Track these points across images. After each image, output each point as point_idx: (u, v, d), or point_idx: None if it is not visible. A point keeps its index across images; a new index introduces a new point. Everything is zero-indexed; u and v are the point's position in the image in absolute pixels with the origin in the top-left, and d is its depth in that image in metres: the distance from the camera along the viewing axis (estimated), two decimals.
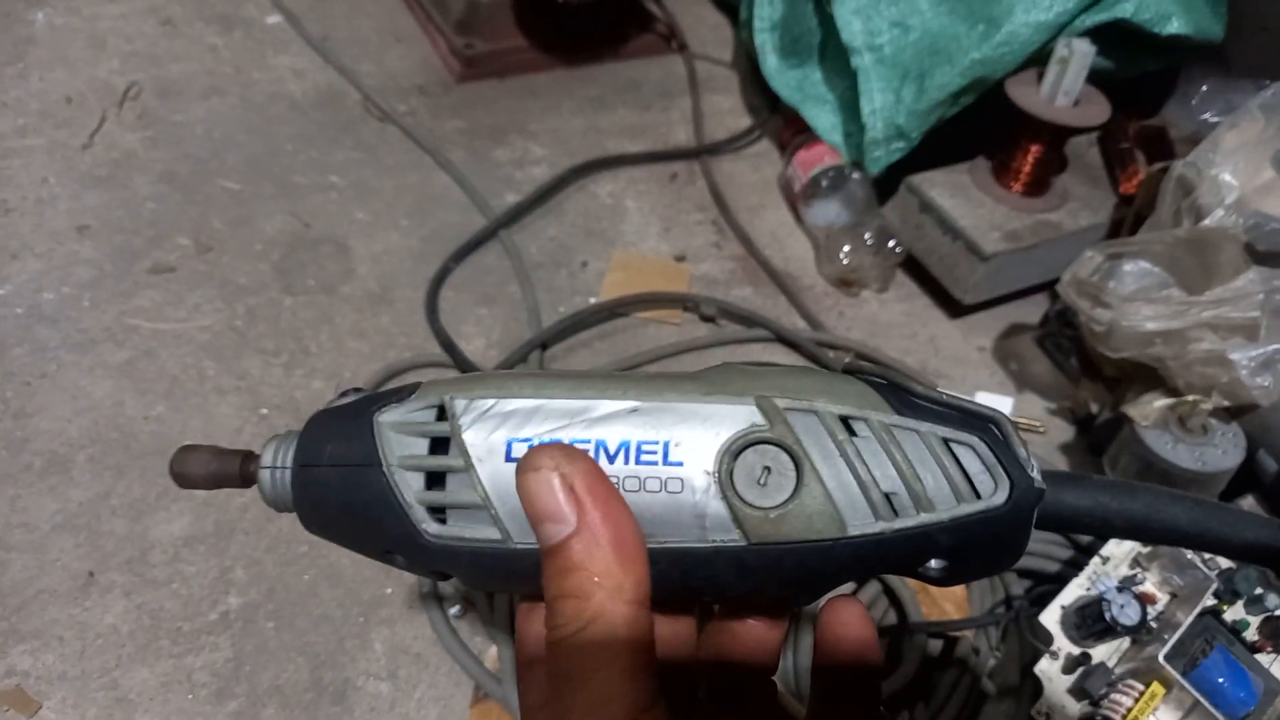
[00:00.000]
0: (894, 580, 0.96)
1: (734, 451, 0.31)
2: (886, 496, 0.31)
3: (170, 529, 0.99)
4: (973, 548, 0.32)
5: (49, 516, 0.98)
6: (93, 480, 1.02)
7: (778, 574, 0.31)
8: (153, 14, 1.63)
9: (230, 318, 1.20)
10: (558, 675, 0.28)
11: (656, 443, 0.31)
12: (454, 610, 0.98)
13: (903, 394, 0.33)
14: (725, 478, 0.31)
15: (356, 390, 0.36)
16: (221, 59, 1.58)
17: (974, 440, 0.32)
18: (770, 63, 1.52)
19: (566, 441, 0.31)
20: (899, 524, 0.31)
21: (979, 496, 0.31)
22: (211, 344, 1.17)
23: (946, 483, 0.31)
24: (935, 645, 0.96)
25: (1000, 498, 0.31)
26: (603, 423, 0.31)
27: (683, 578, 0.31)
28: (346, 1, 1.76)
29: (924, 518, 0.31)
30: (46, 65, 1.50)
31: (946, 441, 0.32)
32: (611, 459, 0.31)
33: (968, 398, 0.33)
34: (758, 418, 0.31)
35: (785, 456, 0.31)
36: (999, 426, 0.32)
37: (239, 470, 0.34)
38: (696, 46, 1.81)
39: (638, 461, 0.31)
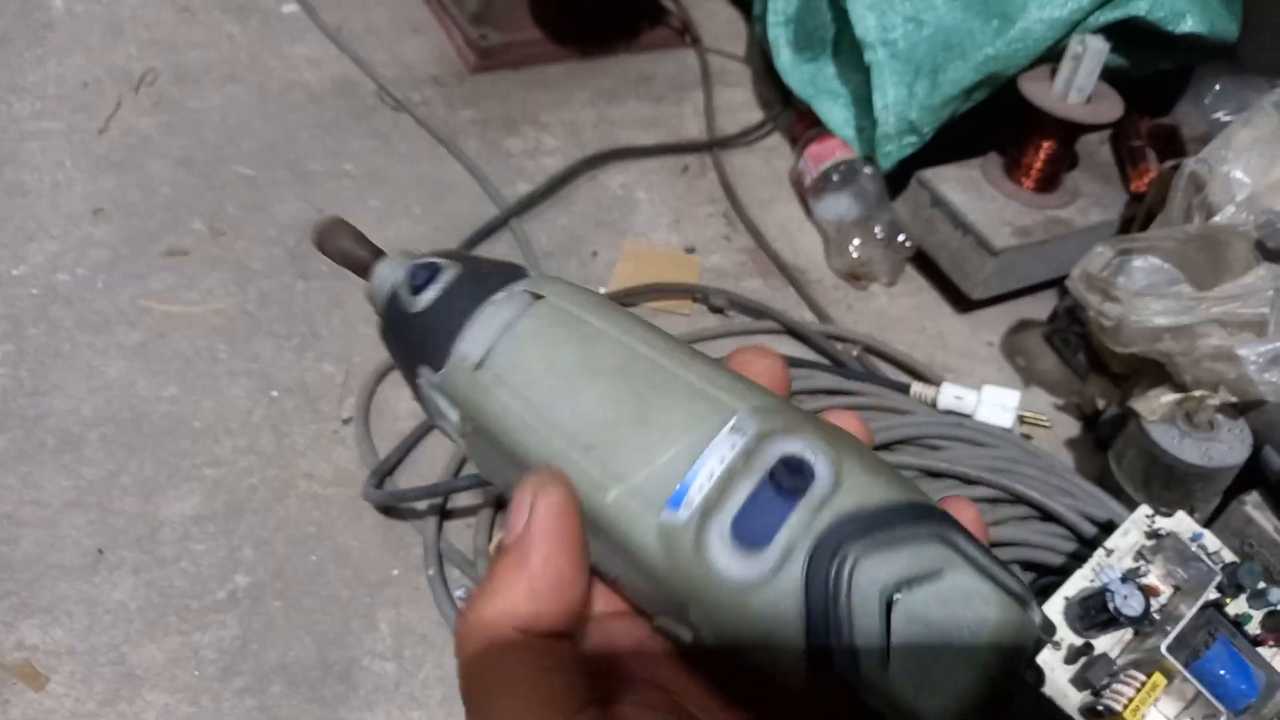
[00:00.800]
0: None
1: None
2: None
3: (180, 508, 1.00)
4: None
5: (60, 493, 0.99)
6: (104, 459, 1.03)
7: None
8: (170, 1, 1.64)
9: (243, 301, 1.21)
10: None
11: None
12: (460, 593, 0.98)
13: None
14: None
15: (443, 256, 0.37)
16: (238, 46, 1.59)
17: None
18: (783, 57, 1.52)
19: None
20: None
21: None
22: (224, 327, 1.18)
23: None
24: None
25: None
26: None
27: None
28: None
29: None
30: (65, 50, 1.51)
31: None
32: None
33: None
34: None
35: None
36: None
37: (366, 260, 0.37)
38: (710, 41, 1.82)
39: None
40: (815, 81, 1.50)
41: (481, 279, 0.35)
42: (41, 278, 1.19)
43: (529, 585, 0.29)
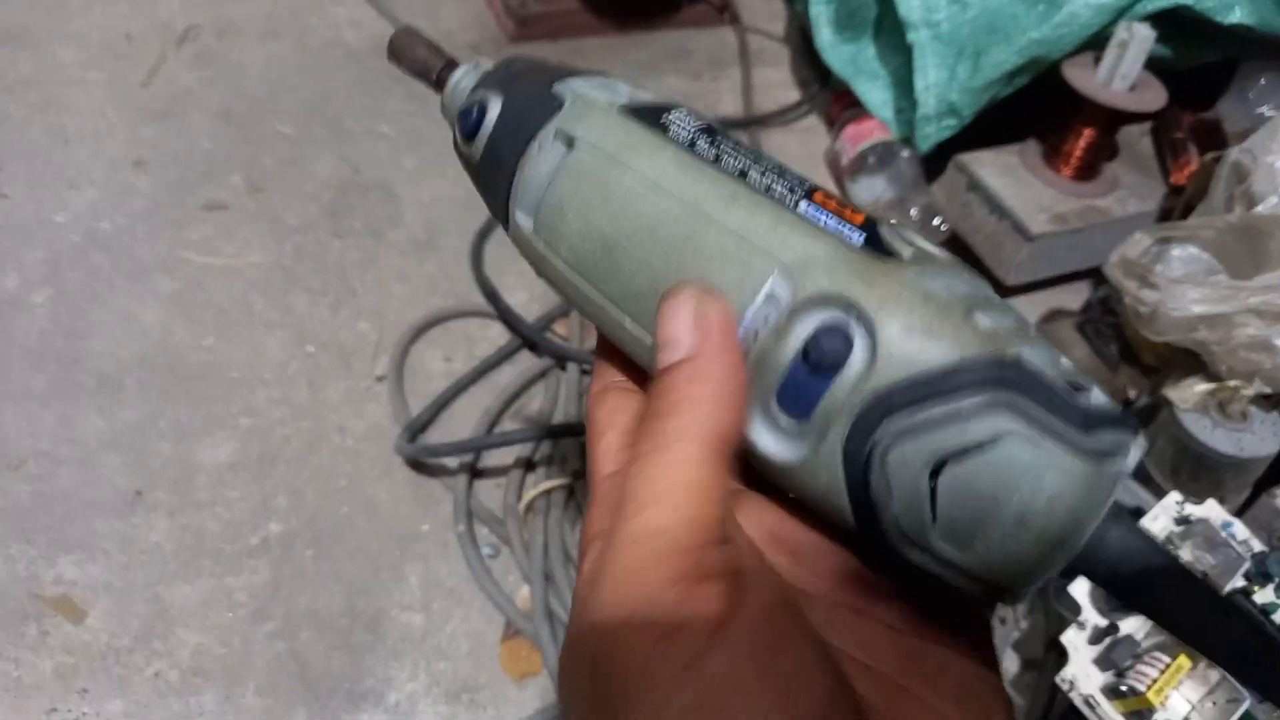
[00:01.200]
0: None
1: None
2: None
3: (215, 454, 1.01)
4: None
5: (98, 433, 1.01)
6: (141, 402, 1.04)
7: None
8: None
9: (279, 256, 1.22)
10: (621, 498, 0.27)
11: None
12: (488, 550, 0.99)
13: None
14: None
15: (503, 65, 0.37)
16: (280, 4, 1.59)
17: None
18: (824, 36, 1.51)
19: None
20: None
21: None
22: (260, 280, 1.19)
23: None
24: None
25: None
26: None
27: None
28: None
29: None
30: (110, 1, 1.52)
31: None
32: None
33: None
34: None
35: None
36: None
37: (439, 69, 0.37)
38: (749, 19, 1.81)
39: None
40: (855, 61, 1.50)
41: (521, 119, 0.34)
42: (82, 224, 1.20)
43: (715, 399, 0.27)
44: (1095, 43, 1.27)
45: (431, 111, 1.39)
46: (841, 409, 0.26)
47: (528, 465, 1.05)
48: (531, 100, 0.34)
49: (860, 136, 1.43)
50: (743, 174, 0.30)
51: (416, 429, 1.05)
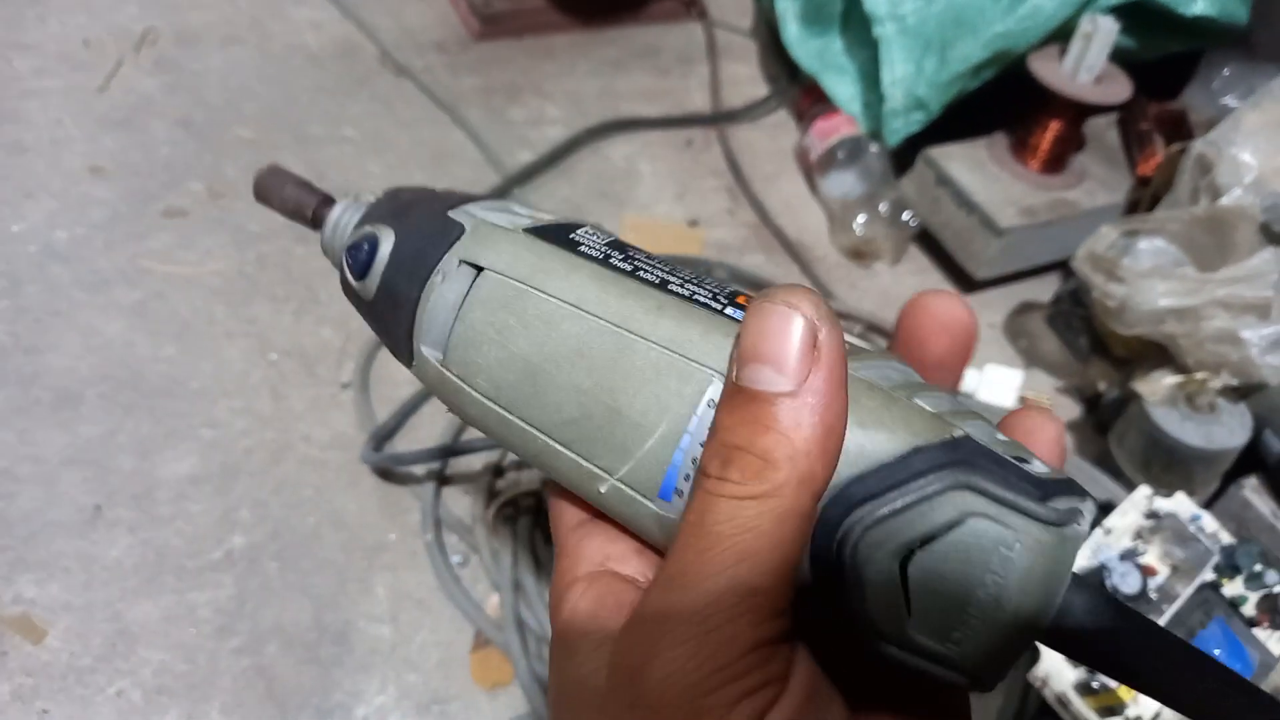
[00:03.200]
0: None
1: None
2: None
3: (177, 468, 1.00)
4: None
5: (58, 450, 0.99)
6: (102, 417, 1.02)
7: None
8: None
9: (241, 263, 1.20)
10: (695, 531, 0.24)
11: None
12: (456, 558, 0.98)
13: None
14: None
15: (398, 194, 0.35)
16: (240, 8, 1.57)
17: None
18: (791, 30, 1.51)
19: None
20: None
21: None
22: (222, 288, 1.17)
23: None
24: None
25: None
26: None
27: None
28: None
29: None
30: (66, 8, 1.49)
31: None
32: None
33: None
34: None
35: None
36: None
37: (314, 207, 0.35)
38: (716, 14, 1.80)
39: None
40: (823, 56, 1.49)
41: (417, 248, 0.32)
42: (40, 235, 1.18)
43: (821, 454, 0.24)
44: (1060, 35, 1.27)
45: (397, 115, 1.38)
46: None
47: (496, 471, 1.04)
48: (427, 230, 0.32)
49: (829, 131, 1.43)
50: (663, 284, 0.29)
51: (383, 437, 1.04)
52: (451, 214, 0.32)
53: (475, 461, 1.04)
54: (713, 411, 0.26)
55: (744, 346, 0.24)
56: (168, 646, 0.88)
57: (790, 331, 0.24)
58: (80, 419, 1.02)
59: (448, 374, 0.31)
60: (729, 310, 0.28)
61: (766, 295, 0.25)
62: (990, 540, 0.24)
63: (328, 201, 0.35)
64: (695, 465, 0.26)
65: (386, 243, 0.32)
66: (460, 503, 1.02)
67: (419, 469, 1.03)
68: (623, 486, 0.28)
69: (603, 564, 0.29)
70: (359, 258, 0.32)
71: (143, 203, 1.24)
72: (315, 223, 0.35)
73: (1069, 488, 0.25)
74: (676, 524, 0.26)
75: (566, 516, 0.31)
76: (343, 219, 0.34)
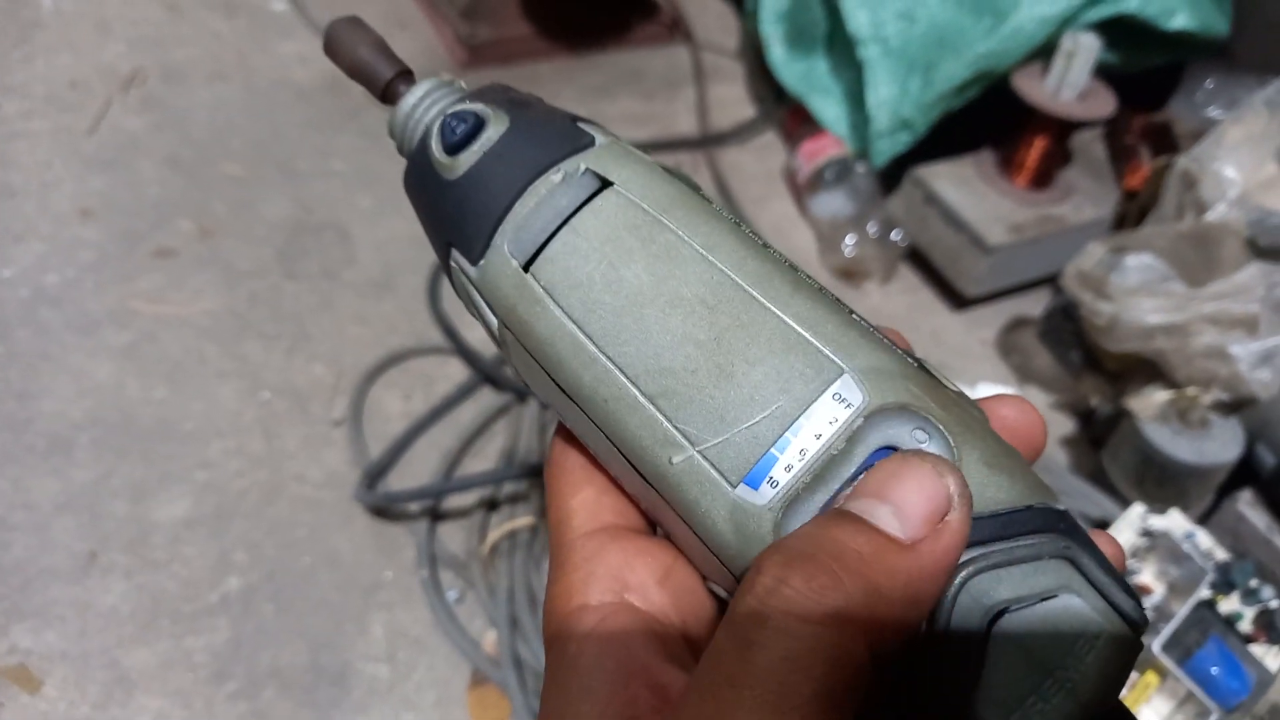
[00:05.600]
0: None
1: None
2: None
3: (171, 511, 1.00)
4: None
5: (51, 497, 0.99)
6: (94, 461, 1.02)
7: None
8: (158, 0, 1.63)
9: (232, 302, 1.20)
10: (743, 630, 0.21)
11: None
12: (453, 594, 0.98)
13: None
14: None
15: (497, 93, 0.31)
16: (225, 45, 1.58)
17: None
18: (776, 53, 1.52)
19: None
20: None
21: None
22: (213, 328, 1.17)
23: None
24: None
25: None
26: None
27: None
28: None
29: None
30: (52, 49, 1.50)
31: None
32: None
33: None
34: None
35: None
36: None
37: (388, 79, 0.31)
38: (701, 36, 1.81)
39: None
40: (808, 78, 1.50)
41: (536, 141, 0.28)
42: (30, 279, 1.18)
43: (901, 608, 0.22)
44: (1043, 53, 1.28)
45: (385, 148, 1.37)
46: None
47: (490, 505, 1.04)
48: (551, 128, 0.29)
49: (816, 152, 1.43)
50: (794, 268, 0.27)
51: (376, 474, 1.04)
52: (581, 124, 0.30)
53: (469, 495, 1.04)
54: (837, 406, 0.24)
55: (871, 483, 0.23)
56: (165, 693, 0.88)
57: (929, 490, 0.22)
58: (73, 464, 1.02)
59: (530, 281, 0.27)
60: (857, 317, 0.26)
61: (917, 453, 0.23)
62: (1081, 622, 0.23)
63: (407, 75, 0.31)
64: (801, 457, 0.24)
65: (498, 125, 0.29)
66: (455, 537, 1.02)
67: (413, 505, 1.03)
68: (703, 462, 0.25)
69: (619, 594, 0.26)
70: (456, 131, 0.29)
71: (132, 243, 1.24)
72: (388, 96, 0.31)
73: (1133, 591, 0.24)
74: (755, 517, 0.24)
75: (578, 509, 0.28)
76: (434, 94, 0.30)
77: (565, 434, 0.30)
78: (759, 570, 0.22)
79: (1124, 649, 0.23)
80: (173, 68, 1.51)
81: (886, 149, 1.38)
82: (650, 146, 1.54)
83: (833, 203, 1.41)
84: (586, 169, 0.28)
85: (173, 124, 1.42)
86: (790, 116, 1.56)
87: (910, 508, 0.22)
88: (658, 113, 1.64)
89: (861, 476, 0.23)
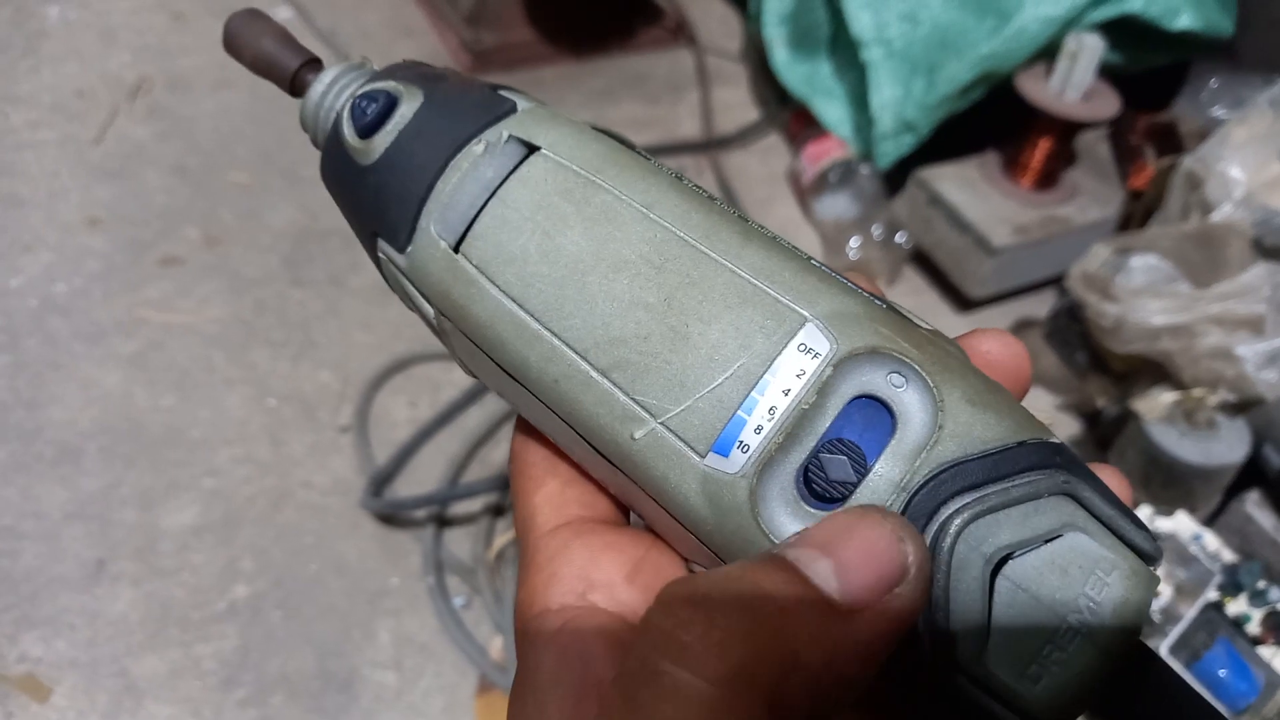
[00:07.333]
0: None
1: None
2: None
3: (179, 518, 1.00)
4: None
5: (60, 505, 0.99)
6: (103, 470, 1.02)
7: None
8: (163, 8, 1.64)
9: (238, 309, 1.21)
10: (630, 686, 0.19)
11: None
12: (459, 600, 0.98)
13: None
14: None
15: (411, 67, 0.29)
16: None
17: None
18: (779, 56, 1.52)
19: None
20: None
21: None
22: (220, 335, 1.17)
23: None
24: None
25: None
26: None
27: None
28: None
29: None
30: (59, 59, 1.50)
31: None
32: None
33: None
34: None
35: None
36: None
37: (294, 70, 0.29)
38: (705, 40, 1.81)
39: None
40: (812, 80, 1.50)
41: (454, 113, 0.27)
42: (39, 288, 1.19)
43: (825, 671, 0.19)
44: (1047, 54, 1.27)
45: None
46: (894, 490, 0.21)
47: (496, 511, 1.04)
48: (468, 98, 0.27)
49: (820, 155, 1.43)
50: (744, 218, 0.25)
51: (382, 480, 1.04)
52: (501, 92, 0.28)
53: (476, 501, 1.04)
54: (803, 357, 0.22)
55: (818, 533, 0.20)
56: (174, 700, 0.88)
57: (882, 554, 0.20)
58: (81, 473, 1.02)
59: (462, 261, 0.25)
60: (816, 262, 0.25)
61: (880, 511, 0.21)
62: (1090, 560, 0.21)
63: (315, 64, 0.29)
64: (771, 416, 0.22)
65: (411, 102, 0.27)
66: (462, 543, 1.03)
67: (419, 511, 1.03)
68: (667, 434, 0.23)
69: (583, 595, 0.24)
70: (367, 112, 0.27)
71: (139, 252, 1.25)
72: (296, 88, 0.29)
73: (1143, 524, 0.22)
74: (728, 488, 0.22)
75: (542, 505, 0.26)
76: (343, 78, 0.28)
77: (524, 426, 0.28)
78: (657, 609, 0.19)
79: (1140, 585, 0.21)
80: (178, 76, 1.52)
81: (891, 151, 1.37)
82: (655, 150, 1.54)
83: (837, 205, 1.41)
84: (510, 136, 0.26)
85: (179, 132, 1.43)
86: (794, 119, 1.56)
87: (855, 569, 0.19)
88: (662, 116, 1.64)
89: (807, 528, 0.21)
